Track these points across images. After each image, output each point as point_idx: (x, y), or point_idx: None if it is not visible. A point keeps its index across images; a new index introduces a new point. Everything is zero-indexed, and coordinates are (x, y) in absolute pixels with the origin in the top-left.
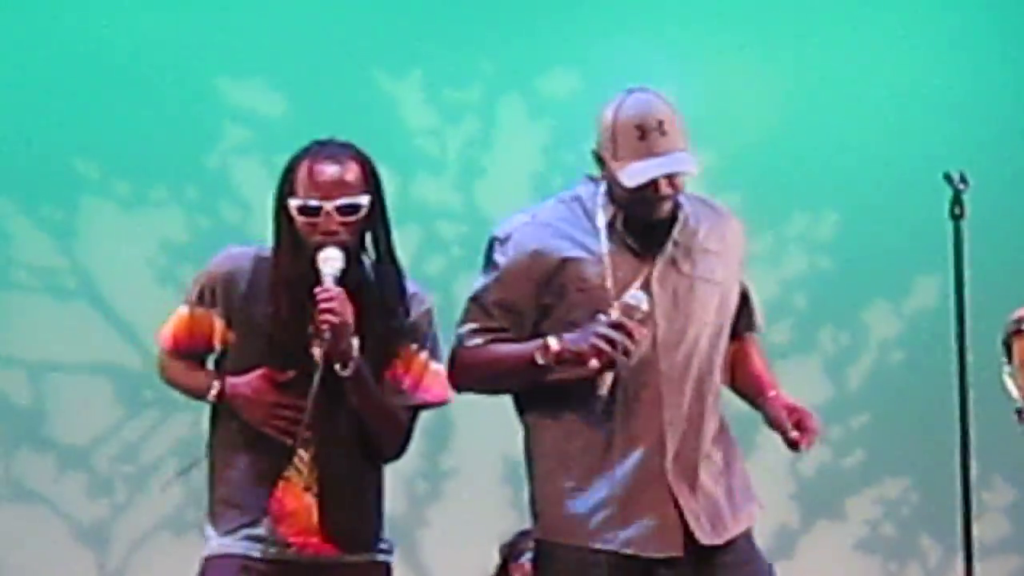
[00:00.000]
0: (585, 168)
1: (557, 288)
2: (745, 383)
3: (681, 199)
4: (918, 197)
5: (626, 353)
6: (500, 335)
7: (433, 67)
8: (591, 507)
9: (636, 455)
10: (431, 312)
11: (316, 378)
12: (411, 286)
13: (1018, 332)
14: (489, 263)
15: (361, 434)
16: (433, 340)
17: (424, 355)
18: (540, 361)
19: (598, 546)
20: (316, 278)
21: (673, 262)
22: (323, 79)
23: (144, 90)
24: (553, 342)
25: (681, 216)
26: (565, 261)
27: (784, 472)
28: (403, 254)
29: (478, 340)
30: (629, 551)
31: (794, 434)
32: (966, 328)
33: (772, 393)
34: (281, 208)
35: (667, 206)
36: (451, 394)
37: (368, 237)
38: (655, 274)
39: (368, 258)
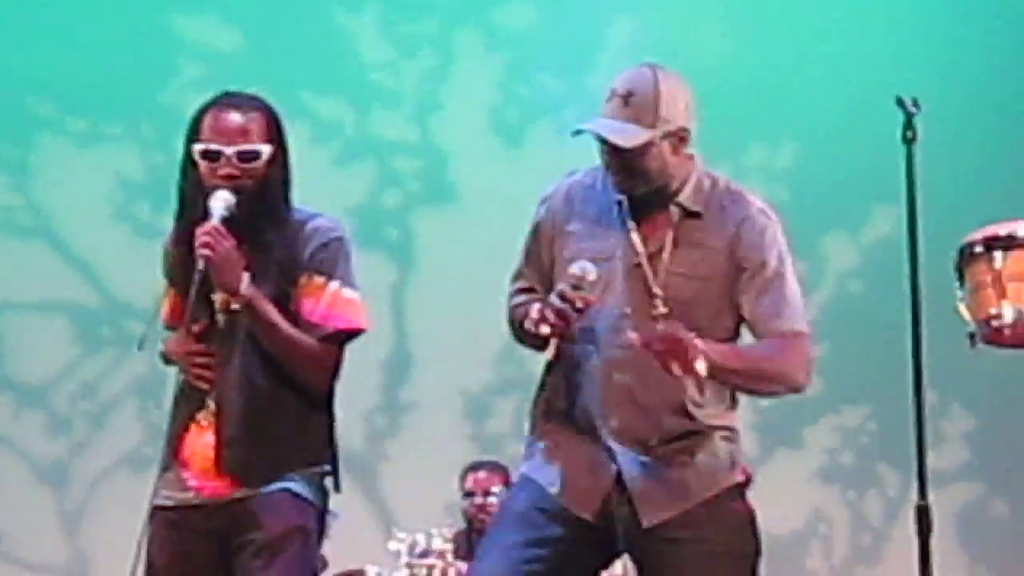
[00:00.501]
0: (540, 100)
1: (555, 252)
2: None
3: (690, 190)
4: (873, 124)
5: (566, 320)
6: (534, 294)
7: (388, 1)
8: (545, 456)
9: (588, 423)
10: (341, 242)
11: (189, 306)
12: (320, 219)
13: (971, 255)
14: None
15: (268, 369)
16: (344, 269)
17: (334, 284)
18: (527, 326)
19: (543, 486)
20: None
21: (655, 250)
22: (279, 14)
23: (99, 27)
24: (532, 309)
25: (676, 208)
26: (559, 228)
27: (743, 401)
28: (360, 188)
29: (518, 299)
30: (553, 491)
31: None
32: (919, 253)
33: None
34: (187, 156)
35: (623, 185)
36: (366, 322)
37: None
38: (650, 254)
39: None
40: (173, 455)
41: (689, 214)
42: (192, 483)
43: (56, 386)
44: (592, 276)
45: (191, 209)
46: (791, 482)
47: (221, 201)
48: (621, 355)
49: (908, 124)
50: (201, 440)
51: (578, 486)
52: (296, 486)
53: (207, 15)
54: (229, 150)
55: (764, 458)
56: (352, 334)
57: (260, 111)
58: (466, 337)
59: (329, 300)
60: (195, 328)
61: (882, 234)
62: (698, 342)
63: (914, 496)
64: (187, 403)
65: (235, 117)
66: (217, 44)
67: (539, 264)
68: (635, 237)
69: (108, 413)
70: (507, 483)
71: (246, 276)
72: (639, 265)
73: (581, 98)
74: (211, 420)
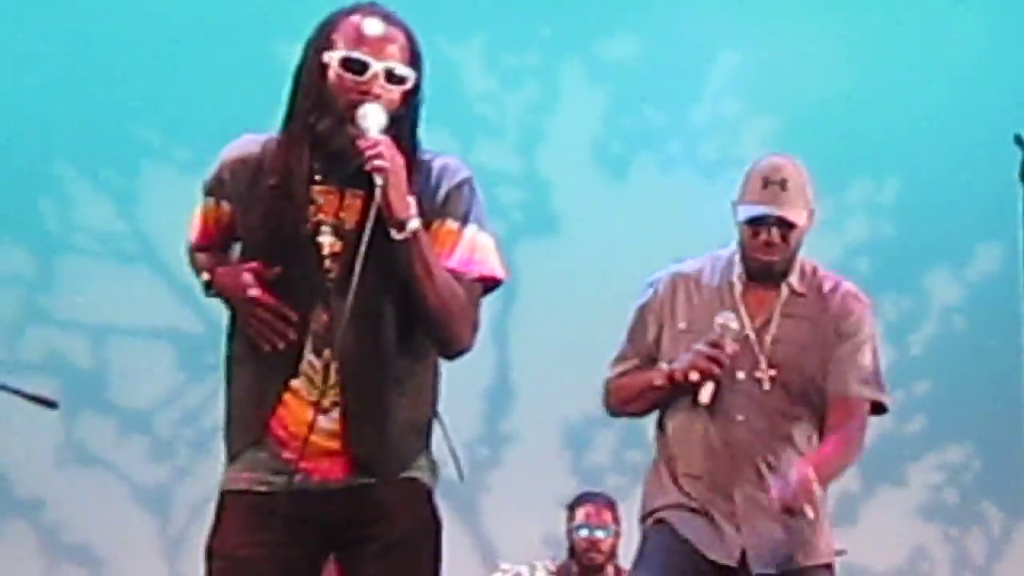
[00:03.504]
0: (644, 132)
1: (662, 339)
2: None
3: (797, 274)
4: (985, 161)
5: (719, 364)
6: (633, 366)
7: (493, 32)
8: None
9: (727, 468)
10: (471, 183)
11: (365, 239)
12: (447, 158)
13: None
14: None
15: (401, 330)
16: (479, 212)
17: (471, 228)
18: (657, 383)
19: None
20: (342, 144)
21: (775, 324)
22: None
23: (203, 55)
24: (664, 366)
25: (786, 286)
26: (666, 319)
27: None
28: None
29: (618, 369)
30: (688, 537)
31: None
32: None
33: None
34: (312, 63)
35: (773, 256)
36: (503, 271)
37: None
38: (757, 328)
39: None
40: (264, 430)
41: (795, 294)
42: (297, 464)
43: (159, 412)
44: (734, 324)
45: (309, 127)
46: (894, 519)
47: (377, 117)
48: (762, 402)
49: None
50: (304, 414)
51: (709, 531)
52: (425, 476)
53: None
54: (378, 65)
55: (867, 495)
56: (491, 286)
57: (406, 31)
58: (568, 368)
59: (469, 246)
60: (268, 274)
61: (988, 270)
62: (811, 474)
63: (1020, 533)
64: (271, 367)
65: (385, 29)
66: None
67: (643, 344)
68: (743, 312)
69: (211, 439)
70: (616, 519)
71: (413, 202)
72: (747, 337)
73: (684, 130)
74: (314, 389)
